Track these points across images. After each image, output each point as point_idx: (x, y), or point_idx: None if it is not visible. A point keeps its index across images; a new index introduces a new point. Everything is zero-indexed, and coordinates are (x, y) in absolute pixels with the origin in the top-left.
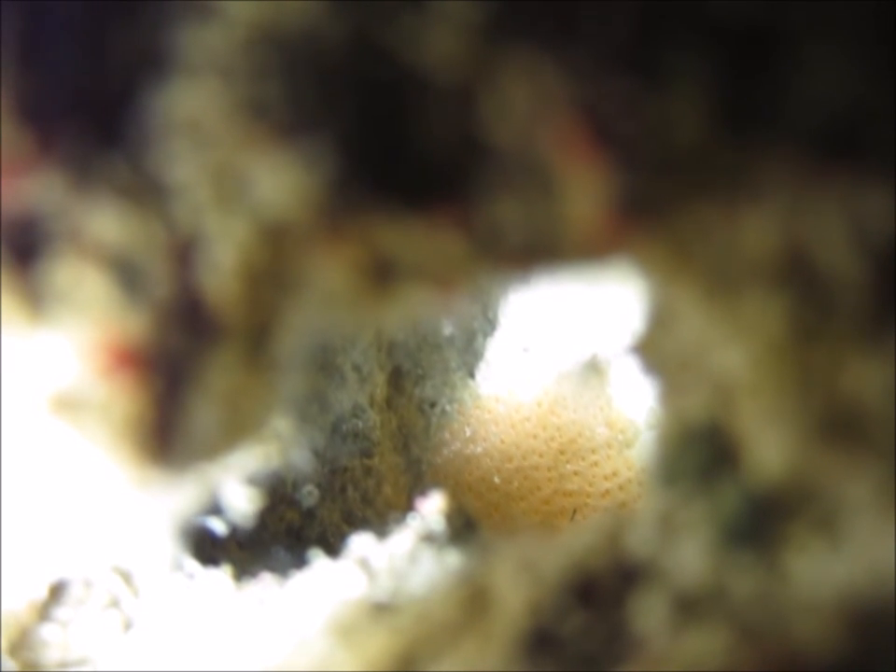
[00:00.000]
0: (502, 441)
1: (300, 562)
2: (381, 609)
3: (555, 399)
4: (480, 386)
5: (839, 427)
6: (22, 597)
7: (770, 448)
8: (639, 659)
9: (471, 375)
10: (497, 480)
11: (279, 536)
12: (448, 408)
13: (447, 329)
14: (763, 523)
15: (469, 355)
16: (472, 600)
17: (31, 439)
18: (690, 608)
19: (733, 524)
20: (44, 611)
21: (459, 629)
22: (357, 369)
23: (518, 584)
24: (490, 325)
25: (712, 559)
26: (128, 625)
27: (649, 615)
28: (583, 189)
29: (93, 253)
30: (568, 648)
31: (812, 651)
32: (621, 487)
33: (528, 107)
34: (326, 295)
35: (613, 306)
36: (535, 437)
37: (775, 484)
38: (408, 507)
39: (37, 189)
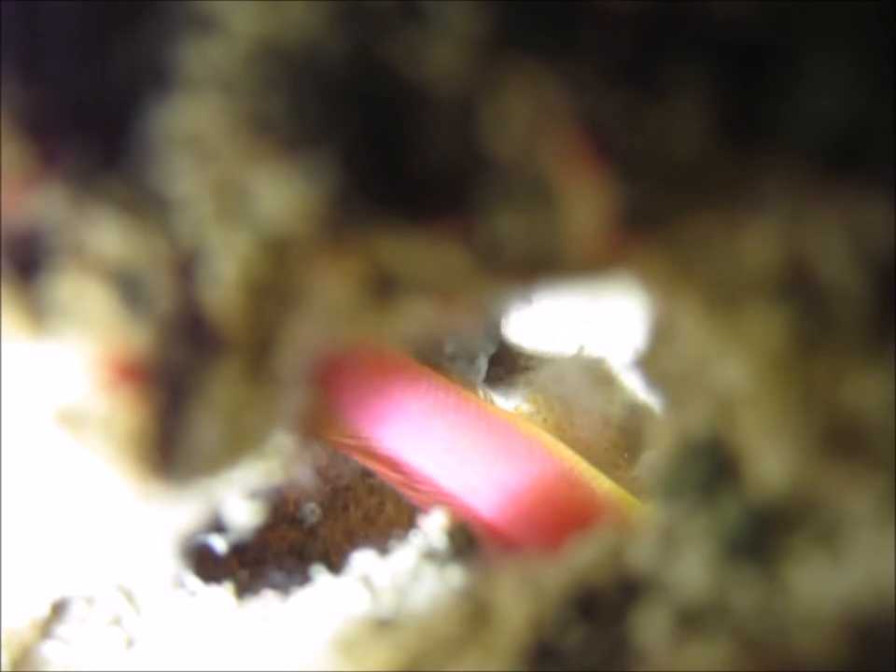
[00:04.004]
0: None
1: (302, 580)
2: (383, 625)
3: (558, 416)
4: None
5: (840, 439)
6: (24, 615)
7: (771, 461)
8: None
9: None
10: None
11: (281, 554)
12: None
13: (449, 348)
14: (764, 536)
15: (471, 373)
16: (474, 615)
17: (33, 453)
18: (691, 621)
19: (734, 537)
20: (46, 629)
21: (461, 643)
22: None
23: (520, 598)
24: (492, 343)
25: (713, 572)
26: (130, 643)
27: (650, 629)
28: (584, 202)
29: (96, 267)
30: (570, 661)
31: (813, 663)
32: (623, 504)
33: (529, 121)
34: (328, 308)
35: (615, 320)
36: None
37: (776, 497)
38: (410, 526)
39: (40, 204)
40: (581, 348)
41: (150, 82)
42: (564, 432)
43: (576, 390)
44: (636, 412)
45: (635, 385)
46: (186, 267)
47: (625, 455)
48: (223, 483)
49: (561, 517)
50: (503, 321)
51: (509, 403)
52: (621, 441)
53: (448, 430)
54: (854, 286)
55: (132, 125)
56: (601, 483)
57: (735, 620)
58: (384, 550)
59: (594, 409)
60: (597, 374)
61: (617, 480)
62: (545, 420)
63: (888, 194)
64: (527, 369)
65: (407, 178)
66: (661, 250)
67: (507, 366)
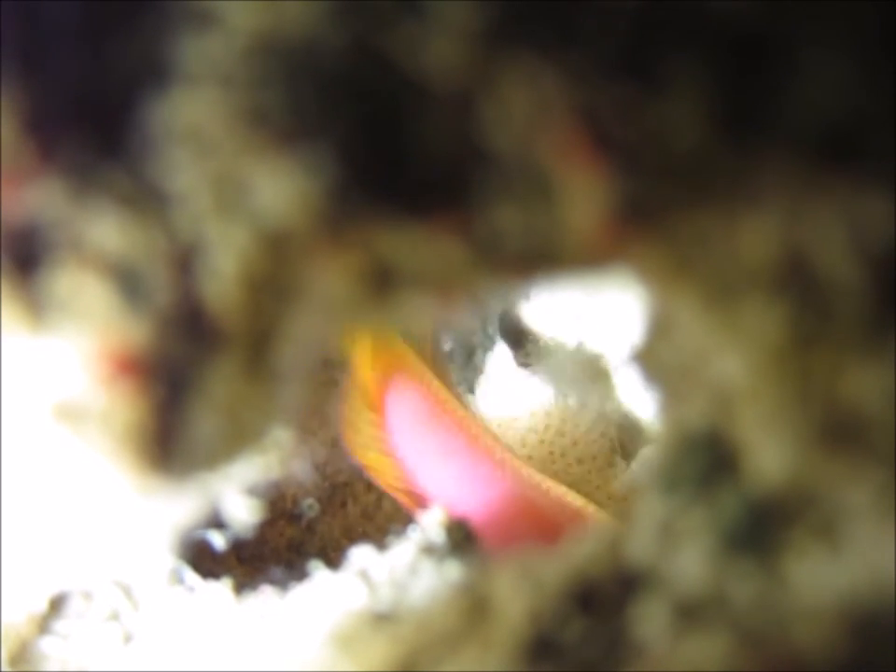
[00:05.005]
0: None
1: (300, 576)
2: (381, 619)
3: (555, 411)
4: (480, 401)
5: (839, 432)
6: (23, 610)
7: (770, 454)
8: (640, 666)
9: (471, 390)
10: None
11: (280, 550)
12: None
13: (447, 345)
14: (763, 529)
15: (469, 370)
16: (473, 608)
17: (32, 447)
18: (690, 614)
19: (733, 530)
20: (44, 624)
21: (460, 637)
22: None
23: (518, 592)
24: (490, 340)
25: (712, 565)
26: (128, 638)
27: (649, 622)
28: (583, 195)
29: (94, 261)
30: (569, 655)
31: (812, 656)
32: (622, 498)
33: (528, 114)
34: (326, 302)
35: (613, 313)
36: (534, 449)
37: (775, 491)
38: (408, 521)
39: (39, 198)
40: (579, 343)
41: (149, 76)
42: (558, 426)
43: (573, 387)
44: (631, 410)
45: (631, 383)
46: (184, 261)
47: (621, 454)
48: (221, 477)
49: (528, 532)
50: (501, 316)
51: (503, 398)
52: (617, 438)
53: (424, 437)
54: (852, 279)
55: (130, 119)
56: (570, 499)
57: (733, 613)
58: (382, 545)
59: (591, 400)
60: (595, 371)
61: (611, 479)
62: (539, 415)
63: (886, 188)
64: (525, 365)
65: (406, 172)
66: (659, 244)
67: (502, 362)
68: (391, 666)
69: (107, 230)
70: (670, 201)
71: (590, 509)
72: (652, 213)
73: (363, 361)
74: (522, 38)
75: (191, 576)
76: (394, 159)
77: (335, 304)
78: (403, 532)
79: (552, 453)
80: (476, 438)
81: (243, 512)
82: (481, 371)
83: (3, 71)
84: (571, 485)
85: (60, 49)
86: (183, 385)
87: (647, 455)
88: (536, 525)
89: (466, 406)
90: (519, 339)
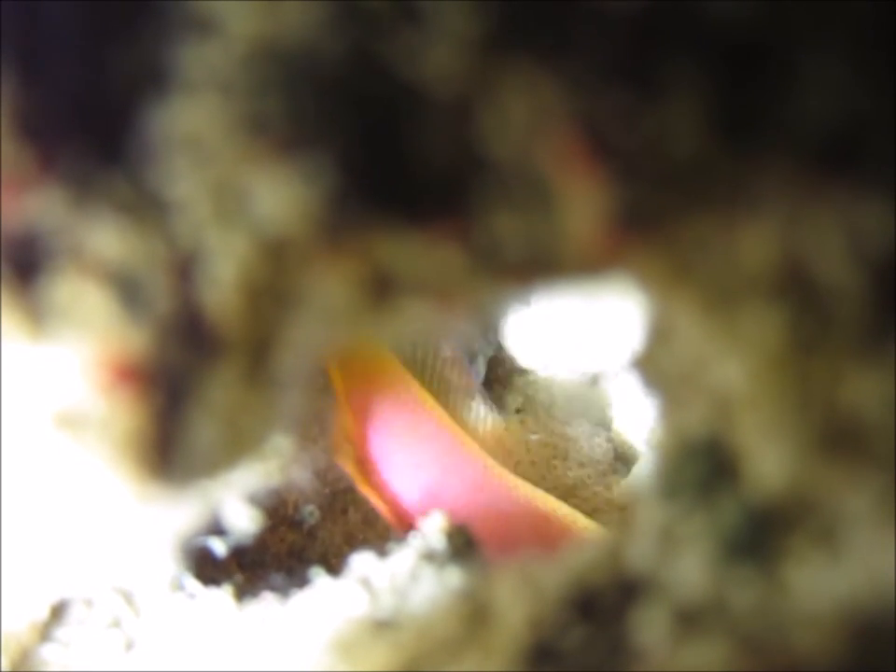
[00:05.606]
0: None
1: (301, 582)
2: (382, 626)
3: (554, 417)
4: (480, 407)
5: (838, 439)
6: (23, 617)
7: (770, 461)
8: None
9: (471, 396)
10: None
11: (280, 557)
12: None
13: (447, 351)
14: (762, 535)
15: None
16: (473, 615)
17: (32, 455)
18: (690, 621)
19: (733, 537)
20: (45, 631)
21: (460, 644)
22: None
23: (519, 599)
24: (490, 346)
25: (712, 572)
26: (129, 646)
27: (649, 628)
28: (582, 202)
29: (94, 269)
30: (569, 662)
31: (812, 662)
32: (620, 505)
33: (527, 121)
34: (326, 310)
35: (612, 320)
36: (535, 455)
37: (774, 497)
38: (408, 528)
39: (38, 206)
40: (578, 352)
41: (149, 84)
42: (559, 433)
43: (572, 390)
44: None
45: (631, 386)
46: (184, 268)
47: (621, 454)
48: (222, 484)
49: (517, 542)
50: (501, 323)
51: (503, 408)
52: (613, 449)
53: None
54: (851, 285)
55: (130, 127)
56: (562, 512)
57: (733, 619)
58: (382, 552)
59: (589, 408)
60: (594, 374)
61: (613, 484)
62: (538, 421)
63: (885, 193)
64: (524, 372)
65: (405, 179)
66: (658, 251)
67: (503, 369)
68: None
69: (107, 237)
70: (669, 207)
71: (578, 518)
72: (651, 220)
73: (342, 378)
74: (520, 46)
75: (192, 583)
76: (393, 166)
77: (334, 312)
78: (404, 539)
79: (555, 456)
80: (456, 445)
81: (243, 521)
82: (481, 376)
83: (2, 78)
84: (572, 489)
85: (59, 56)
86: (183, 392)
87: (646, 461)
88: (512, 531)
89: (451, 413)
90: (505, 384)
